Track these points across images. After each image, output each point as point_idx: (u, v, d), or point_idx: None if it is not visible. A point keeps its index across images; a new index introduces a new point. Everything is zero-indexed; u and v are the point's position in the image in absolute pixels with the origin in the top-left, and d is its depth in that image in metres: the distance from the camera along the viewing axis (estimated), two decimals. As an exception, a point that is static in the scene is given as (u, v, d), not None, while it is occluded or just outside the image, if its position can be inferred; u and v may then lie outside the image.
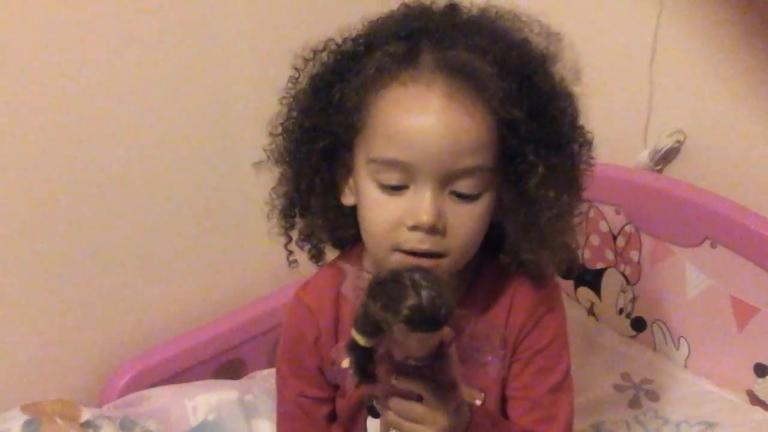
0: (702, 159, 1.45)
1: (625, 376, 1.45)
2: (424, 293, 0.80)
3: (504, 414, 1.06)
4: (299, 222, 1.05)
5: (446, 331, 0.86)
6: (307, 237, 1.07)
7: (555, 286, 1.08)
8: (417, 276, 0.81)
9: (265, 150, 1.04)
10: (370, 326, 0.83)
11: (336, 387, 1.08)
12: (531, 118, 0.91)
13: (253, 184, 1.08)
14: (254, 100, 1.44)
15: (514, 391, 1.05)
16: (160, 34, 1.36)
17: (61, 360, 1.38)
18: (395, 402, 0.92)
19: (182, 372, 1.42)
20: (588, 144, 1.02)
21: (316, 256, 1.08)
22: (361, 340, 0.84)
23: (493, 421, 1.01)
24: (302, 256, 1.08)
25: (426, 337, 0.84)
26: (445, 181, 0.90)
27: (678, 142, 1.46)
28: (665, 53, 1.44)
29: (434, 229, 0.90)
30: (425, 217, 0.89)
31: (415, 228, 0.90)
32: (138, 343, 1.44)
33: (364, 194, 0.95)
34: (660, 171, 1.50)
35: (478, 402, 1.00)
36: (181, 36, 1.39)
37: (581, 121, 1.01)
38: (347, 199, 1.00)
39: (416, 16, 0.96)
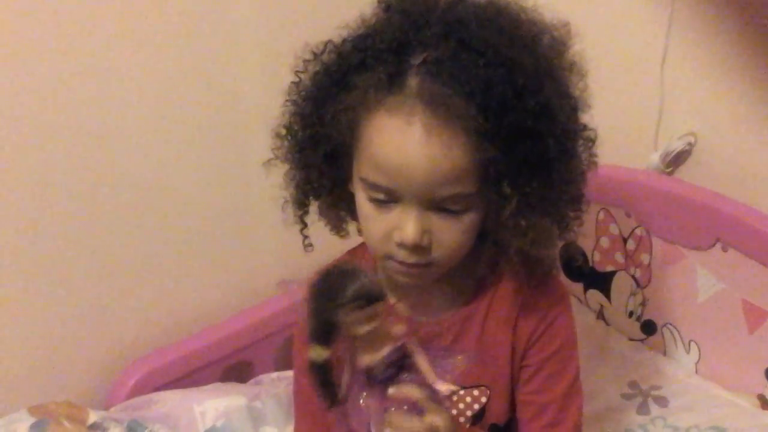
0: (713, 162, 1.44)
1: (633, 384, 1.44)
2: (361, 275, 0.85)
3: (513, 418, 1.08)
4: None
5: (399, 328, 0.89)
6: (325, 212, 1.09)
7: (564, 291, 1.10)
8: (350, 267, 0.86)
9: (273, 150, 1.05)
10: (321, 327, 0.86)
11: None
12: (511, 146, 0.91)
13: (262, 184, 1.08)
14: (263, 102, 1.42)
15: (524, 396, 1.07)
16: (165, 35, 1.36)
17: (68, 362, 1.38)
18: (393, 417, 0.91)
19: (190, 374, 1.42)
20: (591, 142, 1.03)
21: (338, 227, 1.10)
22: (317, 353, 0.86)
23: None
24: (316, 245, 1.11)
25: (373, 313, 0.86)
26: (430, 202, 0.93)
27: (689, 144, 1.46)
28: (676, 55, 1.44)
29: (419, 247, 0.94)
30: (409, 237, 0.93)
31: (401, 246, 0.94)
32: (145, 344, 1.44)
33: (359, 204, 0.98)
34: (671, 173, 1.49)
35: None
36: (188, 37, 1.39)
37: (584, 119, 1.02)
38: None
39: (415, 19, 0.95)
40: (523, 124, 0.91)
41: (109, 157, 1.35)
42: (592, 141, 1.03)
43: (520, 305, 1.06)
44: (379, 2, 1.00)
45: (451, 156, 0.90)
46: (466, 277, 1.07)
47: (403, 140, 0.91)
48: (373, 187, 0.95)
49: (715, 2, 1.35)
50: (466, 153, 0.91)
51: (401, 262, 0.96)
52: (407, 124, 0.90)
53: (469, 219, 0.95)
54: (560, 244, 1.12)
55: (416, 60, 0.92)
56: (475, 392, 1.08)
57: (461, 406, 1.08)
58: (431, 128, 0.90)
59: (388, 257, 0.97)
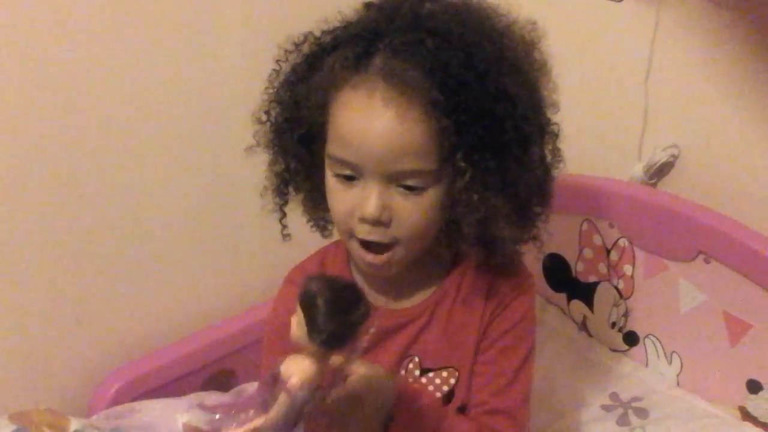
0: (696, 174, 1.45)
1: (614, 395, 1.44)
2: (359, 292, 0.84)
3: None
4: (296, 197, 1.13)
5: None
6: (308, 209, 1.15)
7: (528, 275, 1.16)
8: (320, 302, 0.82)
9: (254, 136, 1.11)
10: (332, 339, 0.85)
11: None
12: (467, 123, 0.96)
13: (245, 194, 1.09)
14: (250, 108, 1.43)
15: (478, 366, 1.12)
16: (149, 35, 1.36)
17: (49, 369, 1.37)
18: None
19: (172, 382, 1.41)
20: (555, 137, 1.08)
21: (322, 227, 1.17)
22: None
23: (414, 395, 1.04)
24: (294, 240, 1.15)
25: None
26: (391, 177, 0.97)
27: (673, 156, 1.47)
28: (660, 68, 1.45)
29: (379, 222, 0.99)
30: (369, 211, 0.98)
31: (362, 220, 0.99)
32: (127, 352, 1.44)
33: (327, 183, 1.03)
34: (654, 185, 1.50)
35: None
36: (177, 42, 1.39)
37: (547, 115, 1.07)
38: None
39: (388, 12, 1.01)
40: (481, 105, 0.96)
41: (89, 167, 1.34)
42: (556, 136, 1.09)
43: (485, 288, 1.11)
44: (362, 3, 1.06)
45: (408, 127, 0.95)
46: (435, 262, 1.13)
47: (364, 113, 0.97)
48: (338, 162, 1.00)
49: (699, 16, 1.36)
50: (422, 125, 0.95)
51: (363, 242, 1.01)
52: (368, 98, 0.96)
53: (430, 198, 0.99)
54: (538, 247, 1.15)
55: (383, 45, 0.97)
56: (444, 374, 1.12)
57: (431, 387, 1.12)
58: (389, 100, 0.95)
59: (351, 236, 1.02)
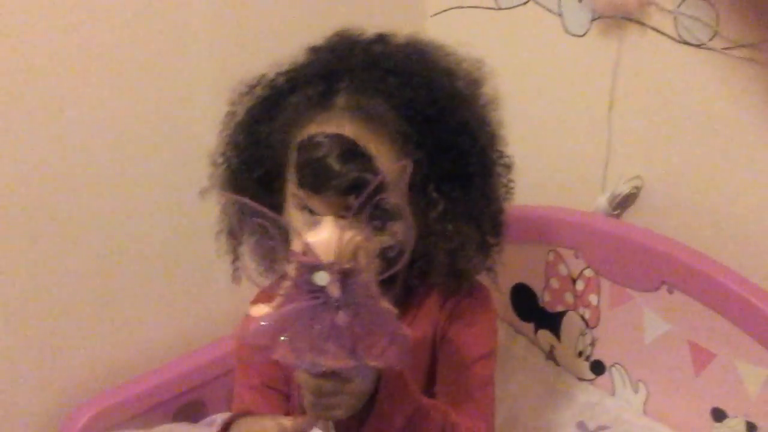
0: (659, 205, 1.48)
1: (581, 424, 1.45)
2: None
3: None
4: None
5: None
6: (257, 251, 1.12)
7: (484, 289, 1.17)
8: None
9: (209, 178, 1.11)
10: None
11: None
12: (435, 155, 0.98)
13: (212, 224, 1.09)
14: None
15: (438, 386, 1.12)
16: (120, 70, 1.35)
17: (15, 403, 1.36)
18: (303, 379, 0.90)
19: (141, 414, 1.40)
20: (507, 167, 1.11)
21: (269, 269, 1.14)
22: None
23: (403, 380, 1.03)
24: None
25: None
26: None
27: (636, 188, 1.49)
28: (623, 101, 1.47)
29: None
30: None
31: None
32: (95, 384, 1.43)
33: (291, 221, 1.01)
34: (618, 216, 1.52)
35: None
36: (145, 74, 1.39)
37: (501, 148, 1.10)
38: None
39: (341, 54, 1.03)
40: (445, 138, 0.98)
41: (56, 195, 1.34)
42: (509, 168, 1.11)
43: (446, 314, 1.12)
44: (308, 48, 1.07)
45: (379, 163, 0.95)
46: (397, 286, 1.10)
47: None
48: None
49: (658, 50, 1.39)
50: (393, 159, 0.96)
51: None
52: None
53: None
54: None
55: (344, 83, 0.99)
56: None
57: None
58: (359, 136, 0.95)
59: None
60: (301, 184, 0.83)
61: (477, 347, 1.12)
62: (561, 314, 1.56)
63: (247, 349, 1.13)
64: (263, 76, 1.07)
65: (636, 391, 1.47)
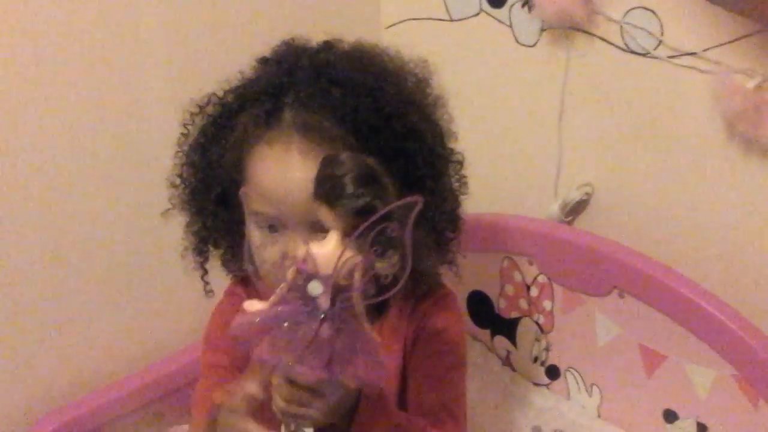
0: (609, 211, 1.50)
1: (536, 429, 1.47)
2: None
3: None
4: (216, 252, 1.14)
5: None
6: (227, 264, 1.15)
7: (449, 292, 1.17)
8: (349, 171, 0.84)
9: (169, 200, 1.12)
10: None
11: None
12: (384, 163, 0.97)
13: (168, 235, 1.10)
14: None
15: (409, 394, 1.12)
16: (76, 86, 1.35)
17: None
18: (277, 384, 0.91)
19: (101, 426, 1.40)
20: (459, 165, 1.12)
21: (245, 279, 1.14)
22: None
23: (384, 398, 1.03)
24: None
25: None
26: (315, 226, 0.95)
27: (587, 194, 1.51)
28: (572, 109, 1.50)
29: None
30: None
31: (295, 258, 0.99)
32: (55, 398, 1.42)
33: (250, 238, 1.02)
34: (570, 222, 1.54)
35: None
36: (101, 91, 1.38)
37: (449, 145, 1.10)
38: None
39: (287, 67, 1.04)
40: (392, 144, 0.99)
41: (19, 203, 1.33)
42: (461, 164, 1.12)
43: (409, 318, 1.12)
44: (258, 60, 1.09)
45: None
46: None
47: (282, 167, 0.98)
48: (261, 217, 1.00)
49: (606, 59, 1.42)
50: None
51: None
52: (285, 152, 0.98)
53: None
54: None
55: (290, 99, 1.00)
56: None
57: None
58: (306, 152, 0.97)
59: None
60: (317, 195, 0.85)
61: (449, 356, 1.13)
62: (516, 320, 1.57)
63: (210, 354, 1.15)
64: (213, 94, 1.08)
65: (590, 394, 1.50)
